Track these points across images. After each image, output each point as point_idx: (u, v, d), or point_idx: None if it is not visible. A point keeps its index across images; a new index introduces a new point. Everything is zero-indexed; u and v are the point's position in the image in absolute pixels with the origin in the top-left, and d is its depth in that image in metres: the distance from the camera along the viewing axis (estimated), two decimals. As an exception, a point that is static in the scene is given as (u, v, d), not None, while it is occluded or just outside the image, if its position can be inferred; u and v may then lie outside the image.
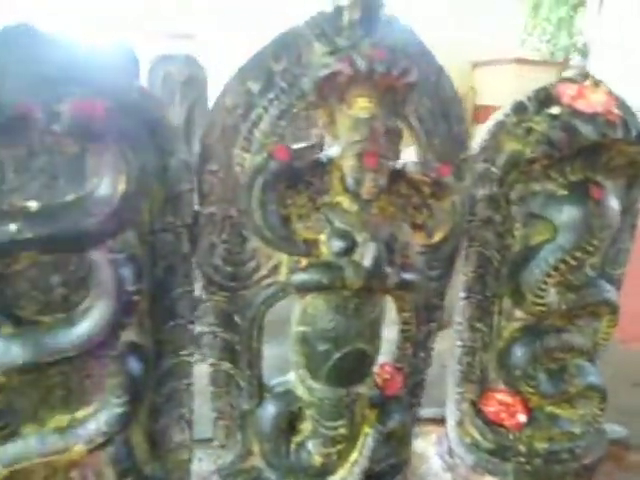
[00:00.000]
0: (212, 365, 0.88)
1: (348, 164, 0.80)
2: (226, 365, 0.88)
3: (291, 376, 0.90)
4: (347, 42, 0.82)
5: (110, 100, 0.69)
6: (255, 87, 0.82)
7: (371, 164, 0.80)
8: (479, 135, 1.02)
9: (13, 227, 0.65)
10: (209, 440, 0.94)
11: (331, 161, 0.83)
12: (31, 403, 0.76)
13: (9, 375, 0.70)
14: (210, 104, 0.85)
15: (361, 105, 0.81)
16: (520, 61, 4.70)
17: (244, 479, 0.90)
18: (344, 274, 0.77)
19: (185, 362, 0.85)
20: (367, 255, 0.78)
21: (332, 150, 0.83)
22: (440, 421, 1.20)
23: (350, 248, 0.79)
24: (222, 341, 0.87)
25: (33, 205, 0.68)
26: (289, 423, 0.89)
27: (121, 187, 0.69)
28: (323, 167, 0.83)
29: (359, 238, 0.79)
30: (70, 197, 0.70)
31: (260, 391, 0.89)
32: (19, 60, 0.69)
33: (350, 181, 0.81)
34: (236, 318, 0.86)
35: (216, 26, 4.59)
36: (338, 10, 0.82)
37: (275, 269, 0.85)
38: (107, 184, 0.69)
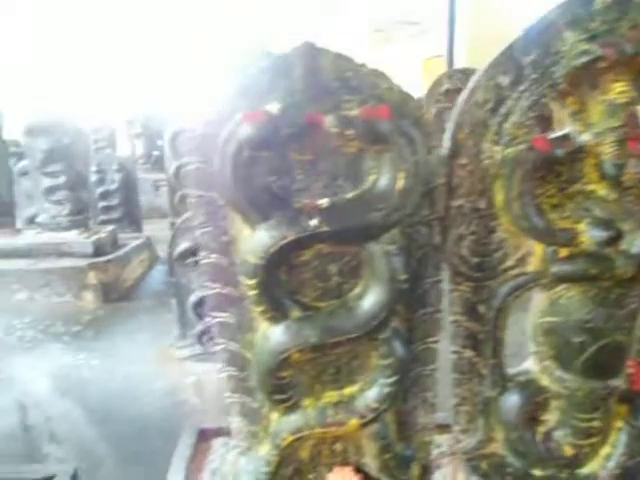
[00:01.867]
0: (455, 353, 0.91)
1: (608, 151, 0.79)
2: (469, 353, 0.91)
3: (531, 365, 0.90)
4: (603, 26, 0.80)
5: (388, 104, 0.75)
6: (505, 81, 0.83)
7: (635, 149, 0.78)
8: None
9: (314, 222, 0.74)
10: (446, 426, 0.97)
11: (583, 149, 0.82)
12: (309, 379, 0.85)
13: (302, 352, 0.79)
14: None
15: (619, 90, 0.79)
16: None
17: (487, 464, 0.92)
18: (614, 264, 0.76)
19: (432, 349, 0.89)
20: (638, 244, 0.75)
21: (583, 137, 0.82)
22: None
23: (614, 237, 0.77)
24: (466, 330, 0.90)
25: (325, 202, 0.76)
26: (533, 413, 0.89)
27: (400, 183, 0.75)
28: (574, 155, 0.82)
29: (625, 227, 0.77)
30: (351, 194, 0.78)
31: (502, 379, 0.90)
32: (304, 75, 0.78)
33: (610, 168, 0.79)
34: (480, 308, 0.89)
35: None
36: (591, -7, 0.81)
37: (523, 260, 0.86)
38: (387, 181, 0.76)
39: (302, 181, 0.79)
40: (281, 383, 0.82)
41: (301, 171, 0.79)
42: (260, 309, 0.79)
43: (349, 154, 0.78)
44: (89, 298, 2.62)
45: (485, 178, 0.84)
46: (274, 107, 0.75)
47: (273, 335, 0.80)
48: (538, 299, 0.88)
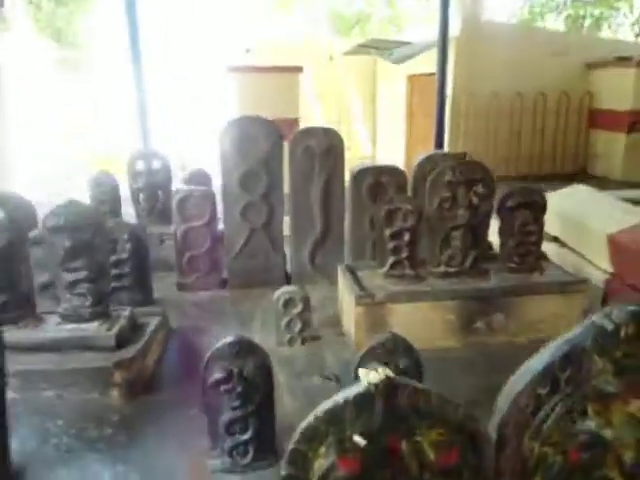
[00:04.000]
0: None
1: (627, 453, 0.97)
2: None
3: None
4: (627, 359, 0.98)
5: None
6: (543, 391, 1.01)
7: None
8: None
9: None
10: None
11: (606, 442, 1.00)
12: None
13: None
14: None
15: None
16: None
17: None
18: None
19: None
20: None
21: (606, 433, 1.00)
22: None
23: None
24: None
25: None
26: None
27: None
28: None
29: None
30: None
31: None
32: (383, 410, 0.94)
33: (628, 469, 0.97)
34: None
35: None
36: (616, 327, 0.98)
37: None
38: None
39: None
40: None
41: None
42: None
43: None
44: (115, 395, 2.75)
45: (525, 467, 1.02)
46: (361, 441, 0.91)
47: None
48: None
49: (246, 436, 2.22)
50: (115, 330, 2.95)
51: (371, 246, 4.19)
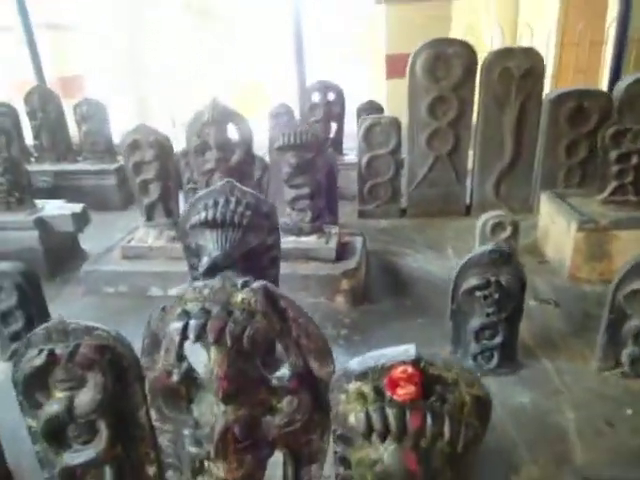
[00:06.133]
0: None
1: None
2: None
3: None
4: None
5: None
6: None
7: None
8: None
9: None
10: None
11: None
12: None
13: None
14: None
15: None
16: None
17: None
18: None
19: None
20: None
21: None
22: None
23: None
24: None
25: None
26: None
27: None
28: None
29: None
30: None
31: None
32: None
33: None
34: None
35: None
36: None
37: None
38: None
39: None
40: None
41: None
42: None
43: None
44: (340, 301, 2.98)
45: None
46: None
47: None
48: None
49: (495, 342, 2.30)
50: (333, 244, 3.16)
51: (563, 175, 3.97)
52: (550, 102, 3.87)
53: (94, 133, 5.01)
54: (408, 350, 1.12)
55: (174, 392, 1.28)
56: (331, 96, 5.00)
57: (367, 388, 1.12)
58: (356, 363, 1.18)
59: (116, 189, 5.03)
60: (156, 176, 3.30)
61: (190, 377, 1.28)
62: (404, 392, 1.06)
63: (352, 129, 4.79)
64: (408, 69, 4.01)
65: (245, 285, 1.21)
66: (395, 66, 7.46)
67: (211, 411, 1.24)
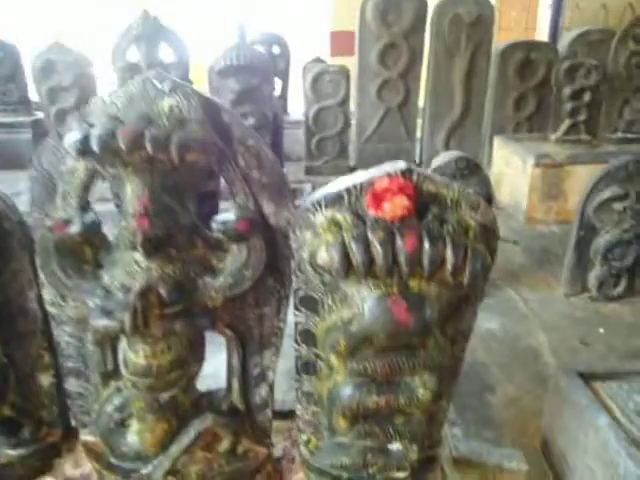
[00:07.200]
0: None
1: None
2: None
3: None
4: None
5: None
6: None
7: None
8: None
9: None
10: None
11: None
12: None
13: None
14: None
15: None
16: None
17: None
18: None
19: None
20: None
21: None
22: None
23: None
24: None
25: None
26: None
27: None
28: None
29: None
30: None
31: None
32: None
33: None
34: None
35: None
36: None
37: None
38: None
39: None
40: None
41: None
42: None
43: None
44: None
45: None
46: None
47: None
48: None
49: (626, 263, 2.13)
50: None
51: (512, 130, 3.91)
52: (499, 54, 3.79)
53: (5, 80, 4.40)
54: (397, 163, 0.85)
55: (74, 251, 0.94)
56: (276, 49, 4.69)
57: (342, 215, 0.84)
58: (325, 189, 0.90)
59: (32, 144, 4.44)
60: (76, 104, 2.85)
61: (96, 233, 0.95)
62: (393, 206, 0.79)
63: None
64: (358, 14, 3.80)
65: (174, 89, 0.90)
66: (340, 44, 7.26)
67: (127, 271, 0.91)
